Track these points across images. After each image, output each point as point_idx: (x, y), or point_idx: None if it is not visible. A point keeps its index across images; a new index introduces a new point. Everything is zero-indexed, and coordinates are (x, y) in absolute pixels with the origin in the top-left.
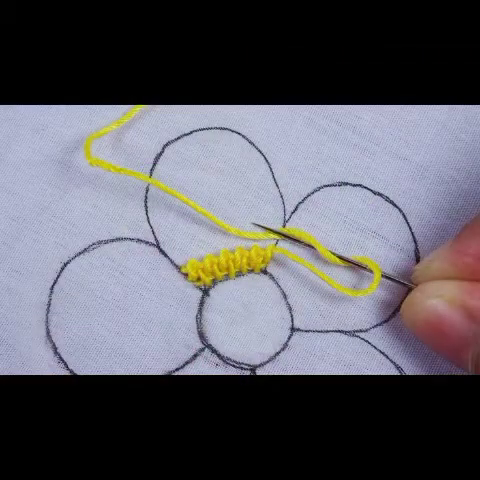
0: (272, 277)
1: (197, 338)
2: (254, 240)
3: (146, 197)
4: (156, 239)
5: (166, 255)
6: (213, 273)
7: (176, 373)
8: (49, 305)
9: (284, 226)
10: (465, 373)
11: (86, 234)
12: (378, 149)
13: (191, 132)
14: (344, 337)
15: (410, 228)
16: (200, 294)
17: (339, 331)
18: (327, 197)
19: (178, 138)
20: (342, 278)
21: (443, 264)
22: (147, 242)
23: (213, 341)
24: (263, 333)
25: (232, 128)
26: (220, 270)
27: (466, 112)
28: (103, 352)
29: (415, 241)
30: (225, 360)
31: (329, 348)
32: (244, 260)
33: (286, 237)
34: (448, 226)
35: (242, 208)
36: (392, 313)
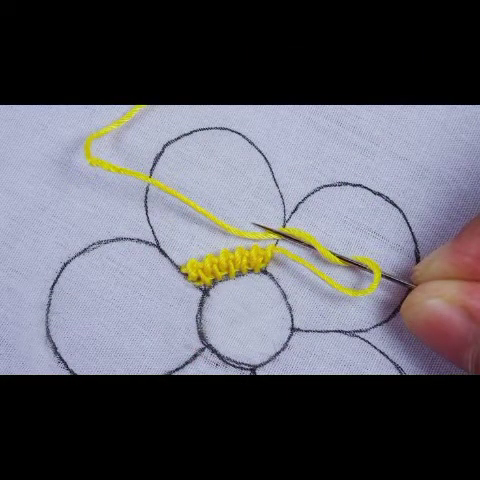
0: (272, 277)
1: (197, 338)
2: (254, 240)
3: (146, 197)
4: (156, 239)
5: (166, 255)
6: (213, 273)
7: (176, 373)
8: (49, 305)
9: (284, 226)
10: (465, 373)
11: (86, 234)
12: (378, 149)
13: (191, 132)
14: (344, 337)
15: (410, 228)
16: (200, 294)
17: (339, 331)
18: (327, 197)
19: (178, 138)
20: (342, 278)
21: (443, 264)
22: (147, 242)
23: (213, 341)
24: (263, 333)
25: (232, 128)
26: (220, 270)
27: (466, 112)
28: (103, 352)
29: (415, 241)
30: (225, 360)
31: (329, 348)
32: (244, 260)
33: (286, 237)
34: (448, 226)
35: (242, 208)
36: (392, 313)
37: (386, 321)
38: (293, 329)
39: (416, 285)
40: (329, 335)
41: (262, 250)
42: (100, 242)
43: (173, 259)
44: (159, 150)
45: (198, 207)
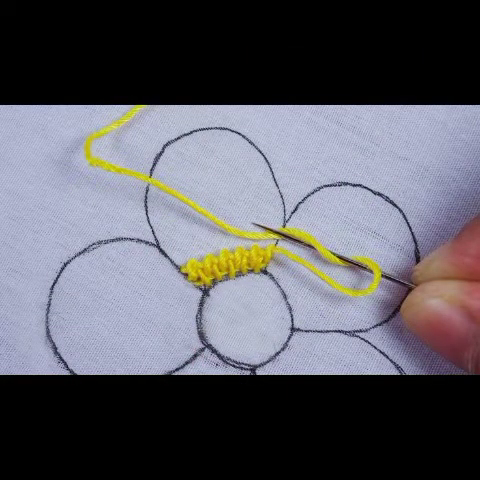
0: (272, 277)
1: (197, 338)
2: (254, 240)
3: (146, 197)
4: (156, 239)
5: (166, 255)
6: (213, 273)
7: (176, 373)
8: (49, 305)
9: (284, 226)
10: (465, 373)
11: (86, 234)
12: (378, 149)
13: (191, 132)
14: (344, 337)
15: (410, 228)
16: (200, 294)
17: (339, 331)
18: (327, 197)
19: (178, 138)
20: (342, 278)
21: (443, 264)
22: (147, 242)
23: (213, 341)
24: (263, 333)
25: (232, 128)
26: (220, 270)
27: (466, 112)
28: (103, 352)
29: (415, 241)
30: (225, 360)
31: (329, 348)
32: (244, 260)
33: (286, 237)
34: (448, 226)
35: (242, 208)
36: (392, 313)
37: (386, 321)
38: (293, 329)
39: (416, 285)
40: (329, 335)
41: (262, 250)
42: (100, 242)
43: (173, 259)
44: (159, 150)
45: (198, 207)
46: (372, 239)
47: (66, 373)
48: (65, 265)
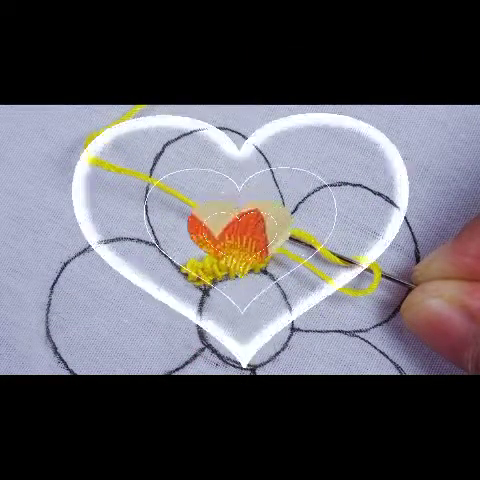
0: (272, 277)
1: (197, 338)
2: None
3: (146, 197)
4: (156, 239)
5: (166, 255)
6: (213, 273)
7: (176, 373)
8: (49, 305)
9: None
10: (465, 373)
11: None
12: (378, 149)
13: (191, 132)
14: (344, 337)
15: (410, 228)
16: (200, 294)
17: (339, 331)
18: (327, 197)
19: (178, 138)
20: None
21: (443, 264)
22: (147, 242)
23: (213, 341)
24: (263, 333)
25: (232, 128)
26: (220, 270)
27: (466, 112)
28: (103, 352)
29: (415, 241)
30: (225, 360)
31: (329, 348)
32: None
33: None
34: (448, 226)
35: None
36: (392, 313)
37: (386, 321)
38: (293, 329)
39: (416, 285)
40: (329, 335)
41: None
42: (100, 242)
43: (173, 259)
44: (159, 150)
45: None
46: (372, 239)
47: (66, 373)
48: (65, 265)
